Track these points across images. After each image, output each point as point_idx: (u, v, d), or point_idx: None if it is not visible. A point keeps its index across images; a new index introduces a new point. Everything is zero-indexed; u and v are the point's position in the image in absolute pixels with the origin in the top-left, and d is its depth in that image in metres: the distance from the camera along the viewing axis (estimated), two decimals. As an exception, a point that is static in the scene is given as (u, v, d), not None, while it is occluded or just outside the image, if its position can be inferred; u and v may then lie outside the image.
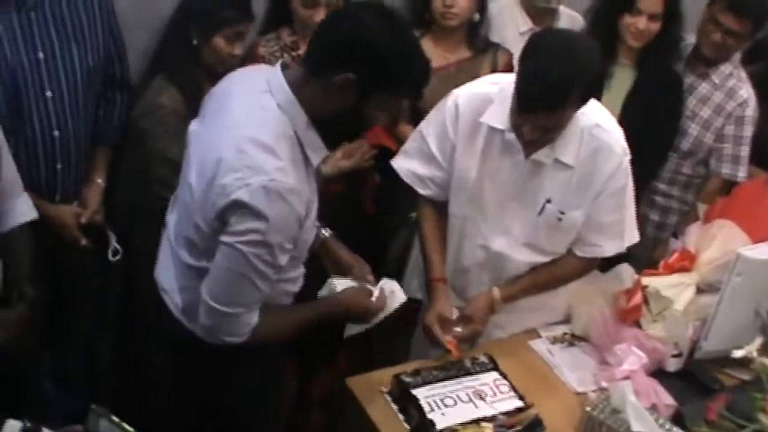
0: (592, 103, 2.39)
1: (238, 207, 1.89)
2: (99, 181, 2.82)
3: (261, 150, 1.90)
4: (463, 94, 2.49)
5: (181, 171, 2.17)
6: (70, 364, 3.07)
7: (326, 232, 2.40)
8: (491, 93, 2.43)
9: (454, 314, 2.53)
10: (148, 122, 2.74)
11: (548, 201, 2.44)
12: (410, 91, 2.04)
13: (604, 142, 2.38)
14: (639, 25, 3.10)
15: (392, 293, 2.32)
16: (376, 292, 2.30)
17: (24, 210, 2.42)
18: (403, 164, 2.61)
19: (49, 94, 2.56)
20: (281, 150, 1.92)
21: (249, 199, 1.87)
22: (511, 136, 2.36)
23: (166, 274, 2.23)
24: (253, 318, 2.05)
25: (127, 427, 1.70)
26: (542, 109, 2.17)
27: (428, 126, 2.56)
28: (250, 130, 1.93)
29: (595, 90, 2.23)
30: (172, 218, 2.24)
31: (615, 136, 2.42)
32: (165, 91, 2.73)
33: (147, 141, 2.74)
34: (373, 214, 3.32)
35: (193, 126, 2.16)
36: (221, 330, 2.05)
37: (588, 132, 2.37)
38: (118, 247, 2.84)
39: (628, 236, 2.56)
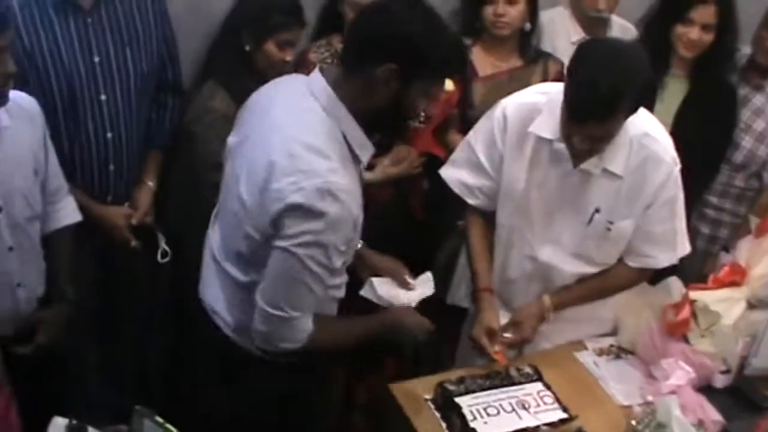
0: (642, 112, 2.37)
1: (293, 210, 1.90)
2: (150, 183, 2.86)
3: (312, 153, 1.92)
4: (512, 104, 2.48)
5: (222, 186, 2.19)
6: (118, 365, 3.10)
7: (359, 244, 2.38)
8: (540, 103, 2.42)
9: (503, 322, 2.52)
10: (200, 126, 2.76)
11: (597, 211, 2.42)
12: (448, 71, 2.12)
13: (654, 152, 2.36)
14: (691, 35, 3.06)
15: (427, 282, 2.43)
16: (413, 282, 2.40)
17: (68, 212, 2.50)
18: (452, 174, 2.61)
19: (103, 97, 2.60)
20: (331, 151, 1.94)
21: (304, 201, 1.88)
22: (559, 145, 2.35)
23: (213, 294, 2.24)
24: (308, 323, 2.06)
25: (170, 427, 1.72)
26: (592, 119, 2.16)
27: (477, 136, 2.56)
28: (298, 134, 1.94)
29: (645, 99, 2.21)
30: (215, 236, 2.24)
31: (664, 146, 2.40)
32: (216, 95, 2.76)
33: (198, 145, 2.76)
34: (422, 221, 3.32)
35: (232, 139, 2.17)
36: (277, 335, 2.05)
37: (637, 141, 2.35)
38: (167, 249, 2.88)
39: (680, 247, 2.53)
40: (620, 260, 2.54)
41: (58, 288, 2.47)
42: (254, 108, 2.14)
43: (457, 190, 2.60)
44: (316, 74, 2.04)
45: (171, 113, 2.88)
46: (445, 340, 2.91)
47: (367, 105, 1.97)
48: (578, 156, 2.34)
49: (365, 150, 2.04)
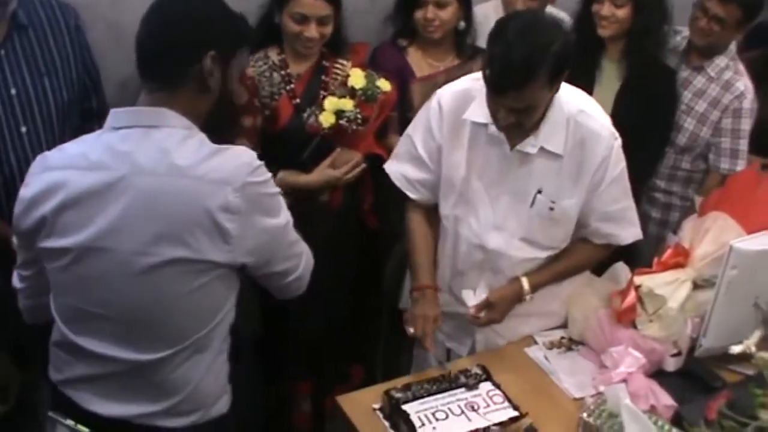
0: (575, 91, 2.40)
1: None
2: None
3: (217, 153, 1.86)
4: (446, 93, 2.49)
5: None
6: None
7: None
8: (473, 89, 2.42)
9: (475, 300, 2.52)
10: None
11: (539, 192, 2.42)
12: (249, 34, 2.19)
13: (591, 128, 2.37)
14: (603, 11, 3.10)
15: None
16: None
17: None
18: (395, 168, 2.62)
19: (24, 129, 2.57)
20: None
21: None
22: (495, 129, 2.35)
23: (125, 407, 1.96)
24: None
25: (83, 428, 1.68)
26: (510, 88, 2.16)
27: (415, 128, 2.57)
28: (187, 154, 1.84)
29: (563, 67, 2.20)
30: (96, 342, 1.92)
31: (601, 121, 2.40)
32: None
33: None
34: (375, 228, 3.29)
35: (74, 239, 1.84)
36: (308, 268, 2.12)
37: (573, 119, 2.35)
38: None
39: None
40: (585, 240, 2.56)
41: None
42: (96, 196, 1.83)
43: (399, 184, 2.61)
44: (122, 114, 1.89)
45: None
46: (402, 347, 2.88)
47: (205, 106, 1.93)
48: (510, 134, 2.34)
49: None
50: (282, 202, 1.96)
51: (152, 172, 1.80)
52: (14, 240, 1.97)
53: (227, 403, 2.07)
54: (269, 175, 1.90)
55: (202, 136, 1.89)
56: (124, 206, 1.80)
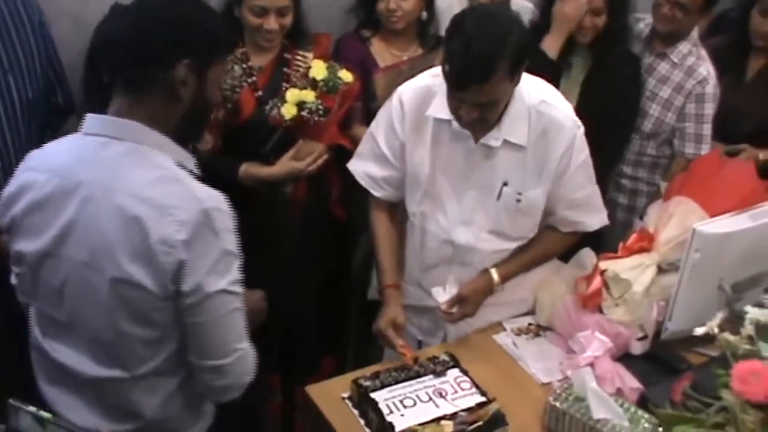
0: (536, 81, 2.40)
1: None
2: None
3: (164, 184, 1.74)
4: (407, 90, 2.48)
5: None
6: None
7: None
8: (434, 85, 2.41)
9: (446, 296, 2.50)
10: None
11: (505, 184, 2.42)
12: (231, 42, 2.07)
13: (553, 118, 2.37)
14: (584, 22, 3.11)
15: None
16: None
17: None
18: (359, 166, 2.61)
19: None
20: (177, 174, 1.78)
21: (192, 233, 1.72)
22: (458, 124, 2.34)
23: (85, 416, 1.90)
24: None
25: (45, 414, 1.66)
26: (471, 83, 2.16)
27: (377, 126, 2.56)
28: (137, 179, 1.74)
29: (523, 57, 2.20)
30: (60, 350, 1.89)
31: (563, 111, 2.41)
32: None
33: None
34: (341, 219, 3.29)
35: (32, 245, 1.81)
36: (240, 377, 1.88)
37: (535, 110, 2.36)
38: None
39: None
40: (553, 228, 2.57)
41: None
42: (51, 202, 1.79)
43: (363, 182, 2.60)
44: (93, 120, 1.82)
45: (64, 135, 2.80)
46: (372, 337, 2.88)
47: (174, 117, 1.80)
48: (474, 129, 2.34)
49: (190, 160, 1.85)
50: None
51: (101, 184, 1.73)
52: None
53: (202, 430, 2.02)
54: (229, 218, 1.78)
55: (167, 162, 1.77)
56: (74, 214, 1.74)
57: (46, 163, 1.82)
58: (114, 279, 1.72)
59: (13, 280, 1.99)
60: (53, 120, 2.80)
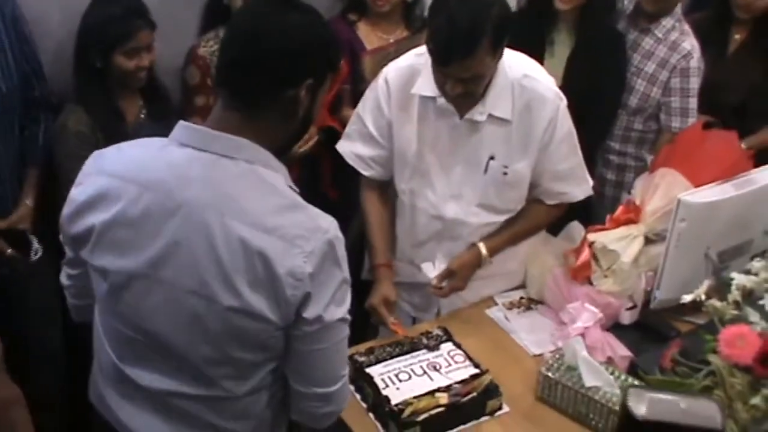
0: (518, 56, 2.43)
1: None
2: (27, 202, 2.79)
3: (289, 212, 1.63)
4: (392, 70, 2.52)
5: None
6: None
7: None
8: (418, 64, 2.45)
9: (436, 271, 2.54)
10: (56, 145, 2.77)
11: (491, 158, 2.46)
12: (338, 60, 1.85)
13: (536, 91, 2.41)
14: None
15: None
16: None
17: None
18: (347, 147, 2.64)
19: None
20: (296, 199, 1.67)
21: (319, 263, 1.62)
22: (443, 101, 2.38)
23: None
24: None
25: None
26: (455, 58, 2.18)
27: (364, 106, 2.59)
28: (260, 206, 1.62)
29: (505, 31, 2.22)
30: (143, 376, 1.76)
31: (545, 84, 2.44)
32: (72, 114, 2.75)
33: (57, 162, 2.77)
34: (336, 199, 3.31)
35: (128, 262, 1.67)
36: (342, 402, 1.82)
37: (518, 84, 2.39)
38: (39, 246, 2.78)
39: (590, 178, 2.62)
40: (539, 200, 2.60)
41: None
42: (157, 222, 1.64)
43: (352, 162, 2.63)
44: (191, 131, 1.67)
45: (44, 129, 2.84)
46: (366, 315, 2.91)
47: (284, 135, 1.73)
48: (459, 104, 2.38)
49: (289, 178, 1.73)
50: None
51: (214, 208, 1.59)
52: (61, 236, 1.82)
53: None
54: (343, 244, 1.67)
55: (281, 184, 1.67)
56: (177, 237, 1.61)
57: (132, 173, 1.66)
58: (230, 308, 1.60)
59: (64, 280, 1.92)
60: (30, 113, 2.81)
